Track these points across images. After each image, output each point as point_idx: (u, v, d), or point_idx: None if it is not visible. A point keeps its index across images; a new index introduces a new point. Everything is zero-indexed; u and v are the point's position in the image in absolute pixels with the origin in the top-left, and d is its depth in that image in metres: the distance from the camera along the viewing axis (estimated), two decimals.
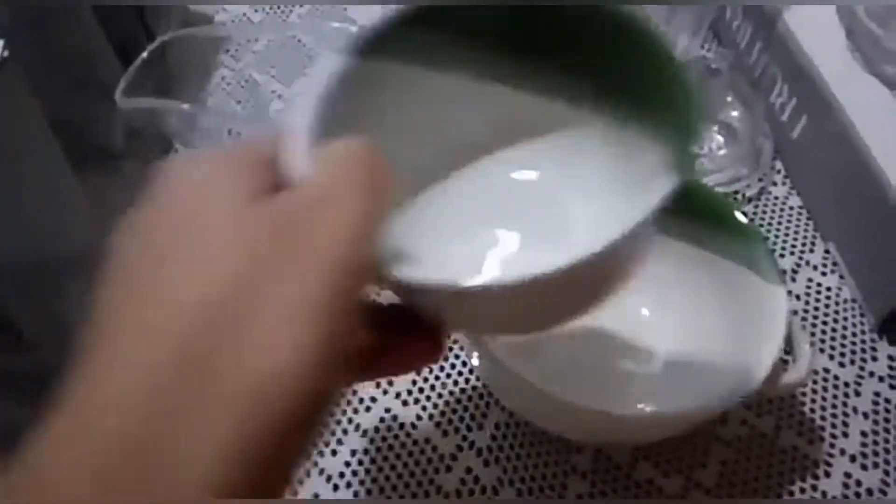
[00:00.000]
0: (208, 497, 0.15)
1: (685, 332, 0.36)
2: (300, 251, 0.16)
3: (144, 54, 0.41)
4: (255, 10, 0.59)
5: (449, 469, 0.36)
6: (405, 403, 0.38)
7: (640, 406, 0.36)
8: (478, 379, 0.39)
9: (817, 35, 0.46)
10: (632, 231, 0.19)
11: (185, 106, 0.38)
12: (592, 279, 0.22)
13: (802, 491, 0.35)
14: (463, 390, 0.39)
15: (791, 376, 0.31)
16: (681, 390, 0.33)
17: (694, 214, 0.33)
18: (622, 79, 0.25)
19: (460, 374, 0.39)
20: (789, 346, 0.32)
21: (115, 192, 0.48)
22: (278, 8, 0.59)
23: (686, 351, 0.36)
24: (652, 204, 0.20)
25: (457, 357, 0.39)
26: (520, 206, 0.28)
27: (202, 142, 0.41)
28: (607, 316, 0.35)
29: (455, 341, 0.39)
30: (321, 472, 0.36)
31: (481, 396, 0.38)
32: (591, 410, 0.28)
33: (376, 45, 0.24)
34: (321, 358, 0.16)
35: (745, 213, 0.46)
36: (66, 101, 0.45)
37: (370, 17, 0.59)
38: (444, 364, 0.39)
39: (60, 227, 0.39)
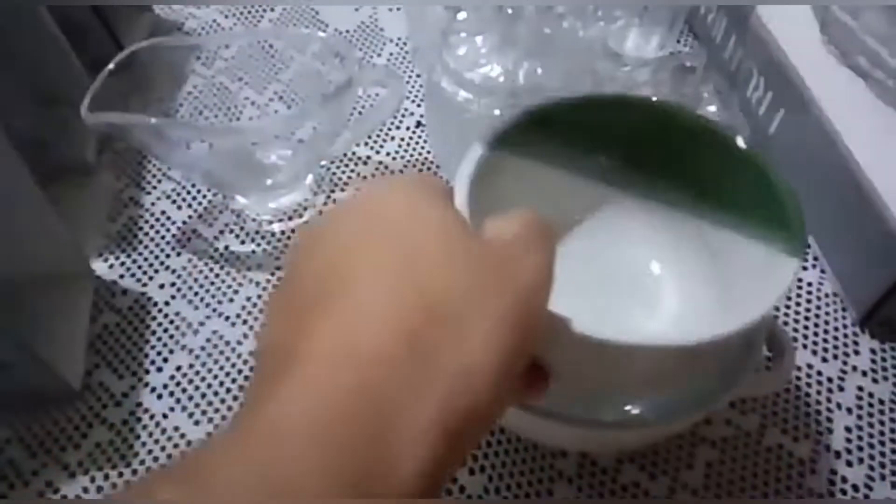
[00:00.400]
0: (419, 451, 0.17)
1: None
2: (505, 281, 0.20)
3: (111, 66, 0.40)
4: (226, 17, 0.58)
5: None
6: None
7: (626, 408, 0.35)
8: None
9: (791, 28, 0.46)
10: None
11: (153, 120, 0.37)
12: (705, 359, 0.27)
13: (788, 489, 0.35)
14: None
15: (774, 377, 0.30)
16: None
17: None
18: (721, 187, 0.32)
19: None
20: (772, 347, 0.32)
21: (88, 206, 0.47)
22: (248, 13, 0.58)
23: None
24: (777, 293, 0.26)
25: None
26: (618, 278, 0.34)
27: (171, 154, 0.40)
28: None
29: None
30: None
31: None
32: (574, 420, 0.28)
33: (506, 139, 0.31)
34: (509, 365, 0.19)
35: None
36: (32, 118, 0.44)
37: (342, 20, 0.58)
38: None
39: (29, 244, 0.38)
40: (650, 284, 0.34)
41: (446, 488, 0.35)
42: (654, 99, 0.34)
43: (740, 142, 0.31)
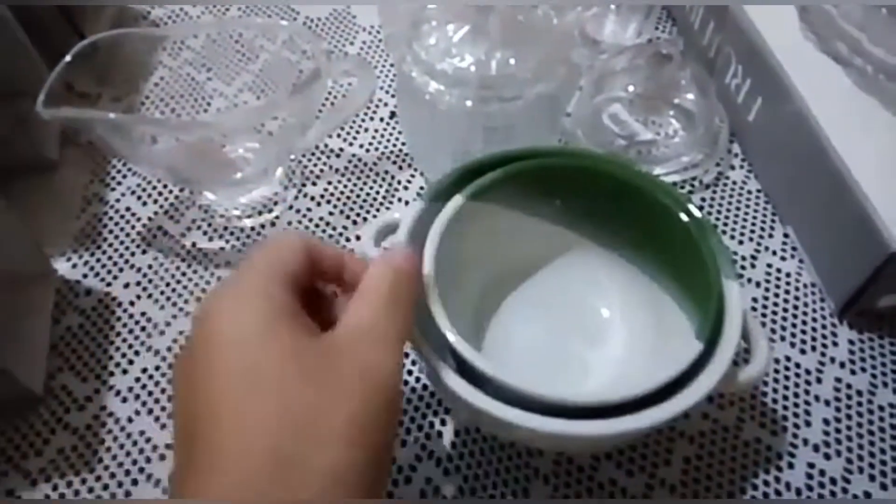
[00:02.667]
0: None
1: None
2: (347, 379, 0.23)
3: (68, 57, 0.38)
4: (193, 5, 0.56)
5: (409, 480, 0.35)
6: None
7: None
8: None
9: (770, 14, 0.45)
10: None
11: (111, 115, 0.35)
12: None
13: (766, 484, 0.35)
14: (421, 398, 0.37)
15: (748, 374, 0.30)
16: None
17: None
18: (667, 254, 0.34)
19: (418, 380, 0.38)
20: (747, 342, 0.31)
21: (50, 204, 0.46)
22: (216, 1, 0.56)
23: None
24: (670, 374, 0.28)
25: (414, 364, 0.38)
26: (571, 315, 0.37)
27: (134, 150, 0.39)
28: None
29: (407, 354, 0.38)
30: None
31: (440, 403, 0.37)
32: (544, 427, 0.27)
33: (444, 192, 0.34)
34: (370, 466, 0.22)
35: (702, 200, 0.45)
36: None
37: (313, 8, 0.56)
38: None
39: None
40: (599, 324, 0.37)
41: (420, 489, 0.35)
42: (631, 168, 0.36)
43: (694, 212, 0.33)
